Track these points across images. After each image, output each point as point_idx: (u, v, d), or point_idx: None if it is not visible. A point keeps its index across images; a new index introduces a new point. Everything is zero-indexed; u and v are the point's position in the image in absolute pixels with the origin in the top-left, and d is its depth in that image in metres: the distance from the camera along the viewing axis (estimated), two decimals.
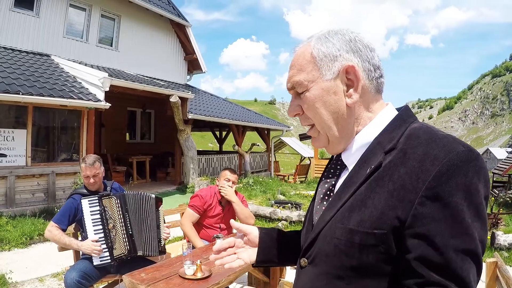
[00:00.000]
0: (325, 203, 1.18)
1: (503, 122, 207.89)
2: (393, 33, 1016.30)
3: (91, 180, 3.99)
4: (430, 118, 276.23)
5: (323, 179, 1.24)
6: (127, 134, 18.75)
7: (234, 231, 4.49)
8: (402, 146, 1.01)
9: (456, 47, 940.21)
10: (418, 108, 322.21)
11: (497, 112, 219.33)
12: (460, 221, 0.88)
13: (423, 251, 0.89)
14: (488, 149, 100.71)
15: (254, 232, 1.44)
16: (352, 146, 1.14)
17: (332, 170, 1.23)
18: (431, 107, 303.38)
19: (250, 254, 1.42)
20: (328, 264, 1.06)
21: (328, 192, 1.19)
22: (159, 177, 15.95)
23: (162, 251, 4.08)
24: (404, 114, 1.12)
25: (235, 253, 1.43)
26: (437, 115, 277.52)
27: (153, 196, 4.14)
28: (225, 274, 3.13)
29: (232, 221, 1.48)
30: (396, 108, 1.16)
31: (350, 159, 1.15)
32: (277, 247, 1.44)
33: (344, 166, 1.18)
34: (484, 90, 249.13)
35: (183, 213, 5.40)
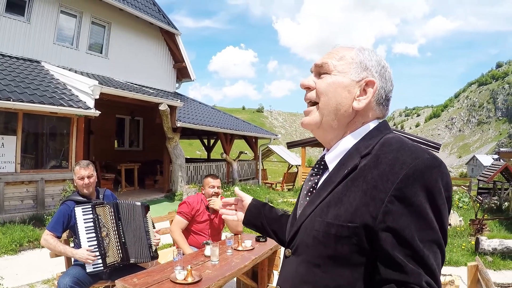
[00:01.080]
0: (307, 198, 1.32)
1: (489, 129, 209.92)
2: (381, 42, 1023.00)
3: (86, 181, 4.03)
4: (417, 126, 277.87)
5: (308, 177, 1.39)
6: (116, 141, 18.76)
7: (223, 237, 4.61)
8: (376, 152, 1.16)
9: (443, 56, 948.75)
10: (405, 116, 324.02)
11: (484, 119, 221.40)
12: (424, 217, 1.02)
13: (395, 243, 1.02)
14: (474, 156, 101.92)
15: (246, 200, 1.75)
16: (336, 147, 1.29)
17: (316, 170, 1.37)
18: (418, 115, 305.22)
19: (242, 215, 1.75)
20: (308, 253, 1.20)
21: (311, 189, 1.34)
22: (148, 185, 15.96)
23: (154, 256, 4.15)
24: (382, 126, 1.28)
25: (236, 210, 1.80)
26: (424, 122, 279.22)
27: (140, 204, 4.22)
28: (215, 278, 3.23)
29: (236, 188, 1.84)
30: (379, 121, 1.31)
31: (332, 161, 1.29)
32: (260, 220, 1.71)
33: (326, 167, 1.32)
34: (470, 98, 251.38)
35: (172, 220, 5.51)
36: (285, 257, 1.34)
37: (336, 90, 1.26)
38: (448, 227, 8.32)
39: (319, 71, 1.33)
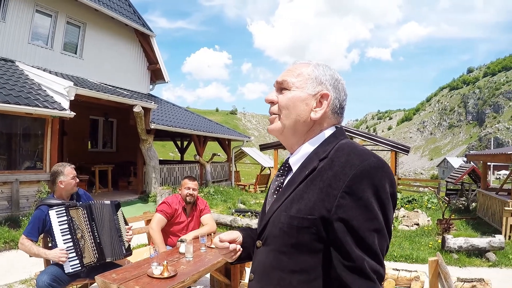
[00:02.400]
0: (274, 196, 1.53)
1: (460, 132, 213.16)
2: (355, 46, 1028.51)
3: (77, 179, 4.25)
4: (389, 129, 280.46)
5: (275, 177, 1.61)
6: (89, 142, 18.66)
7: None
8: (331, 155, 1.37)
9: (416, 61, 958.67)
10: (378, 119, 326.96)
11: (454, 123, 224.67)
12: (371, 210, 1.24)
13: (346, 231, 1.24)
14: (445, 158, 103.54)
15: (239, 238, 1.75)
16: (298, 152, 1.50)
17: (281, 171, 1.58)
18: (391, 118, 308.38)
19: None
20: (276, 243, 1.41)
21: (277, 188, 1.54)
22: (121, 186, 15.97)
23: (128, 253, 4.30)
24: (337, 133, 1.50)
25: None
26: (396, 126, 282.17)
27: (110, 202, 4.34)
28: (190, 273, 3.44)
29: (219, 236, 1.74)
30: (335, 127, 1.55)
31: (295, 164, 1.50)
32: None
33: (290, 169, 1.53)
34: (442, 102, 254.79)
35: (148, 220, 5.67)
36: (256, 248, 1.56)
37: (295, 103, 1.47)
38: (417, 226, 8.65)
39: (280, 86, 1.53)
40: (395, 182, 1.36)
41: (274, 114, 1.53)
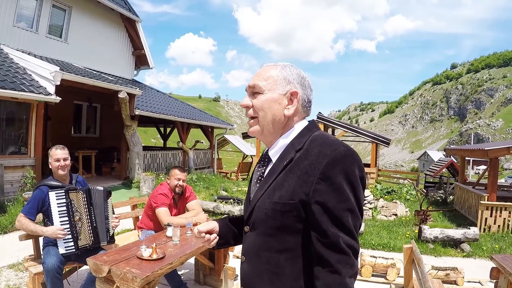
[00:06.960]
0: (257, 185, 1.72)
1: (441, 127, 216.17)
2: (341, 37, 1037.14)
3: (61, 163, 4.20)
4: (371, 120, 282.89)
5: (256, 168, 1.82)
6: (72, 127, 18.54)
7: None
8: (307, 146, 1.56)
9: (401, 54, 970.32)
10: (360, 111, 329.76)
11: (436, 117, 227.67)
12: (342, 192, 1.44)
13: (322, 212, 1.44)
14: (426, 152, 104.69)
15: (216, 228, 1.96)
16: (276, 145, 1.69)
17: (262, 162, 1.77)
18: (373, 110, 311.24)
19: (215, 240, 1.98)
20: (262, 227, 1.62)
21: (259, 178, 1.73)
22: (105, 172, 15.93)
23: (111, 241, 4.41)
24: (310, 126, 1.69)
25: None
26: (378, 118, 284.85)
27: (102, 188, 4.41)
28: (177, 255, 3.62)
29: (197, 227, 1.97)
30: (308, 121, 1.75)
31: (274, 155, 1.68)
32: (232, 232, 2.00)
33: (270, 160, 1.71)
34: (424, 96, 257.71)
35: (134, 205, 5.82)
36: (245, 232, 1.74)
37: (270, 105, 1.64)
38: (395, 217, 9.00)
39: (253, 91, 1.69)
40: (363, 167, 1.55)
41: (251, 117, 1.71)
